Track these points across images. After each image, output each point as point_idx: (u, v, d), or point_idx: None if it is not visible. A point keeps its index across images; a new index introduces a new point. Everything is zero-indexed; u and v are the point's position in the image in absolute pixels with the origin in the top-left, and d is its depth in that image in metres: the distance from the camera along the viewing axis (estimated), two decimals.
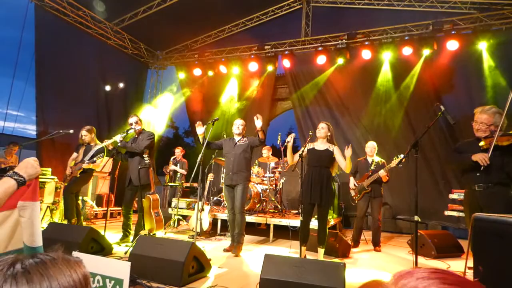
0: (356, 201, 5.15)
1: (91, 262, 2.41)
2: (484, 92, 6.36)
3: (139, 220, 4.45)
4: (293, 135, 3.88)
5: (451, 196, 5.38)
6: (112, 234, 4.91)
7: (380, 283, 0.47)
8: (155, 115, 9.25)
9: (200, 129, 4.31)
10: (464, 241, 4.96)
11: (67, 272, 0.60)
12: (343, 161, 3.78)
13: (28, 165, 1.26)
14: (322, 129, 3.93)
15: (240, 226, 4.28)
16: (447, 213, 5.41)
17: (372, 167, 5.03)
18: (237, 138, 4.51)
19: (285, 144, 3.91)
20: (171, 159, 7.71)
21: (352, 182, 5.17)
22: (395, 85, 7.27)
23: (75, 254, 2.46)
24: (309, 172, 3.85)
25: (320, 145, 3.92)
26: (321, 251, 3.86)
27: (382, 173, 4.82)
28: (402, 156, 4.61)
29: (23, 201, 1.32)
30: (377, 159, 5.14)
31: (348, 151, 3.70)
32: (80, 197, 5.47)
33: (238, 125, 4.50)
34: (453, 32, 6.65)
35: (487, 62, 6.42)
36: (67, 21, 7.32)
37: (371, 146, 5.18)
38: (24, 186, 1.28)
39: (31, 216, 1.33)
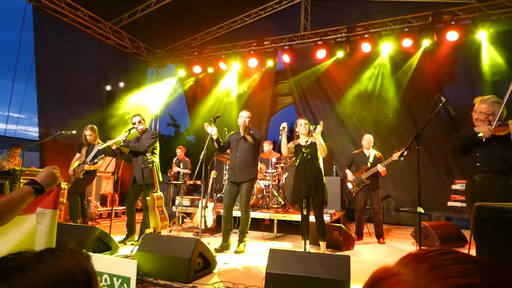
0: (353, 194, 5.18)
1: (98, 262, 2.44)
2: (484, 81, 6.35)
3: (144, 218, 4.49)
4: (285, 123, 3.90)
5: (454, 186, 5.40)
6: (117, 233, 4.94)
7: (390, 271, 0.45)
8: (151, 99, 9.31)
9: (210, 129, 3.99)
10: (467, 231, 4.98)
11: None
12: (320, 147, 3.82)
13: (48, 174, 1.23)
14: (306, 125, 3.99)
15: (243, 225, 4.16)
16: (450, 203, 5.43)
17: (371, 160, 5.06)
18: (243, 131, 4.28)
19: (280, 132, 3.90)
20: (174, 160, 7.73)
21: (350, 175, 5.20)
22: (396, 78, 7.26)
23: None
24: (300, 167, 3.88)
25: (303, 141, 3.97)
26: (323, 244, 3.90)
27: (380, 168, 4.86)
28: (402, 149, 4.63)
29: (42, 208, 1.31)
30: (374, 152, 5.17)
31: (318, 128, 3.75)
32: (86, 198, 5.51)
33: (244, 117, 4.25)
34: (452, 22, 6.61)
35: (487, 51, 6.39)
36: (66, 22, 7.31)
37: (367, 139, 5.22)
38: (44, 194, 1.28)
39: (49, 224, 1.32)
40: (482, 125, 2.71)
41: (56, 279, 0.59)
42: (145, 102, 9.06)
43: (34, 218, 1.30)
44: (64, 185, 5.91)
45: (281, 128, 3.89)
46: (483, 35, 6.34)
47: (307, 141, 3.91)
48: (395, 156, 4.72)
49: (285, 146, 3.94)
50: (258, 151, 4.38)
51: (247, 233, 4.25)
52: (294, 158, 3.88)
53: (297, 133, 4.07)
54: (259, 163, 6.61)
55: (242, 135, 4.24)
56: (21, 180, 5.16)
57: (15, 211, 1.05)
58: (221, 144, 4.24)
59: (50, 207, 1.33)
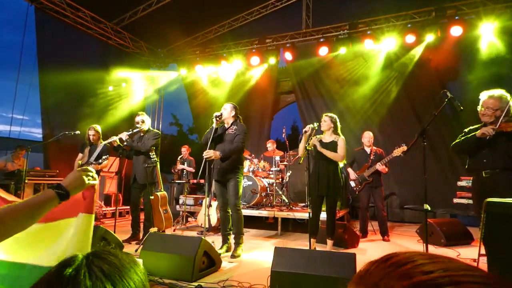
0: (357, 192, 5.17)
1: None
2: (489, 76, 6.28)
3: (148, 218, 4.50)
4: (311, 126, 3.79)
5: (460, 183, 5.35)
6: (121, 232, 4.95)
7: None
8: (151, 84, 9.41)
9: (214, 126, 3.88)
10: (473, 228, 4.94)
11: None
12: (339, 153, 3.77)
13: (74, 177, 1.14)
14: (324, 122, 3.94)
15: (237, 226, 3.90)
16: (456, 200, 5.39)
17: (372, 157, 5.05)
18: (226, 125, 4.03)
19: (303, 133, 3.83)
20: (178, 158, 7.75)
21: (352, 173, 5.18)
22: (399, 74, 7.22)
23: None
24: (317, 165, 3.87)
25: (327, 137, 3.93)
26: (330, 242, 3.88)
27: (379, 166, 4.85)
28: (403, 145, 4.60)
29: (82, 212, 1.26)
30: (375, 149, 5.16)
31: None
32: None
33: (223, 109, 4.00)
34: (456, 17, 6.54)
35: (492, 45, 6.32)
36: (68, 23, 7.32)
37: (367, 137, 5.21)
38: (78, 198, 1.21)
39: (83, 228, 1.28)
40: (484, 128, 2.69)
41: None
42: (145, 88, 9.13)
43: (80, 220, 1.26)
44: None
45: (303, 130, 3.81)
46: (488, 29, 6.27)
47: (310, 139, 3.88)
48: (396, 152, 4.69)
49: (302, 148, 3.84)
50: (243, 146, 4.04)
51: (243, 234, 3.98)
52: (314, 155, 3.83)
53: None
54: (262, 161, 6.61)
55: (226, 129, 4.00)
56: (26, 181, 5.18)
57: (33, 217, 0.97)
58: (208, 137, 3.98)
59: (88, 211, 1.29)
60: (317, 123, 3.94)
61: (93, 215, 1.31)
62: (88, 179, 1.18)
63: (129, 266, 0.60)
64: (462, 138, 2.94)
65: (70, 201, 1.11)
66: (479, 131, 2.71)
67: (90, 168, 1.22)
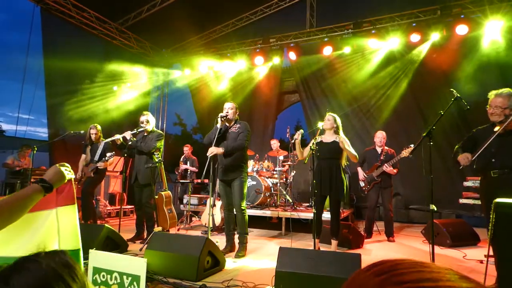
0: (365, 192, 5.12)
1: (108, 260, 2.45)
2: (496, 76, 6.21)
3: (149, 218, 4.50)
4: (300, 131, 3.85)
5: (466, 183, 5.29)
6: (126, 232, 4.97)
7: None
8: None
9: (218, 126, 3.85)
10: (479, 229, 4.89)
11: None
12: (350, 152, 3.77)
13: (55, 172, 1.25)
14: (328, 120, 3.92)
15: (241, 226, 3.87)
16: (462, 201, 5.33)
17: (382, 157, 5.00)
18: (228, 124, 3.99)
19: (293, 141, 3.89)
20: (181, 158, 7.76)
21: (361, 173, 5.14)
22: (404, 73, 7.17)
23: (92, 252, 2.51)
24: (319, 165, 3.87)
25: (328, 137, 3.92)
26: (334, 242, 3.86)
27: (386, 168, 4.81)
28: (411, 146, 4.55)
29: (61, 205, 1.34)
30: (386, 149, 5.10)
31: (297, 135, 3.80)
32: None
33: (226, 109, 3.93)
34: (462, 16, 6.48)
35: (499, 45, 6.25)
36: (73, 23, 7.37)
37: (380, 136, 5.13)
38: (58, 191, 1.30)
39: (71, 219, 1.36)
40: (463, 155, 2.75)
41: (41, 283, 0.57)
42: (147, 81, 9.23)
43: (53, 213, 1.32)
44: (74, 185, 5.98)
45: (294, 138, 3.88)
46: (494, 28, 6.20)
47: (315, 138, 3.87)
48: (404, 154, 4.65)
49: (299, 153, 3.94)
50: (246, 145, 4.01)
51: (247, 234, 3.96)
52: (316, 154, 3.84)
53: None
54: (266, 161, 6.60)
55: (229, 128, 3.96)
56: (32, 180, 5.22)
57: (23, 209, 1.07)
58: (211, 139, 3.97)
59: (68, 203, 1.37)
60: (321, 125, 3.96)
61: (75, 205, 1.40)
62: (67, 173, 1.29)
63: (52, 275, 0.59)
64: (457, 148, 2.95)
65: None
66: (459, 156, 2.73)
67: (65, 163, 1.31)
